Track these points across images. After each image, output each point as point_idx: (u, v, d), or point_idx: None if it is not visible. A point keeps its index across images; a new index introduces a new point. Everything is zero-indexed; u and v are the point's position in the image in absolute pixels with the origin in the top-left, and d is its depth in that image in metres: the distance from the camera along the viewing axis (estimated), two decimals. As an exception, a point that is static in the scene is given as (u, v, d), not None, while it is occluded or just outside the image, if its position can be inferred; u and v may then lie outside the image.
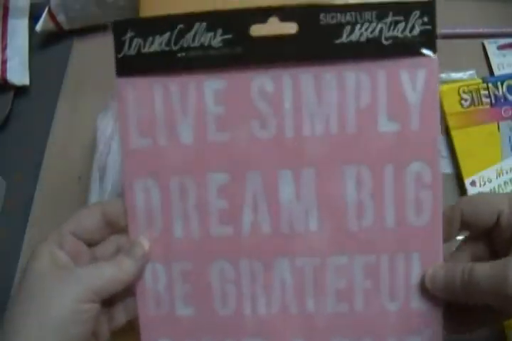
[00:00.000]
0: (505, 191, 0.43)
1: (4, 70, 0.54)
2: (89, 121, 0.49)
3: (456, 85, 0.45)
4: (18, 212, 0.49)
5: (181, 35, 0.30)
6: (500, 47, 0.49)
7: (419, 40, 0.29)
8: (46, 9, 0.54)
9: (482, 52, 0.50)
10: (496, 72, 0.48)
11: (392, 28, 0.29)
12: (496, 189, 0.43)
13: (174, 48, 0.30)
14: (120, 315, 0.32)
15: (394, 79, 0.30)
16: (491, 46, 0.50)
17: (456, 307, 0.30)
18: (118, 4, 0.53)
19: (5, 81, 0.54)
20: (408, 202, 0.31)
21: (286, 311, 0.32)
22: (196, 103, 0.31)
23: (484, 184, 0.43)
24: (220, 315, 0.32)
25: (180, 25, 0.30)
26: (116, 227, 0.32)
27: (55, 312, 0.28)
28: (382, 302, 0.31)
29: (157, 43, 0.31)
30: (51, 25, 0.55)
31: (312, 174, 0.31)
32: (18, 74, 0.55)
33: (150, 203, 0.32)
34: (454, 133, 0.44)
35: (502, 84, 0.45)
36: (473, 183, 0.43)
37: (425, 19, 0.29)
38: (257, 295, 0.32)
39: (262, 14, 0.30)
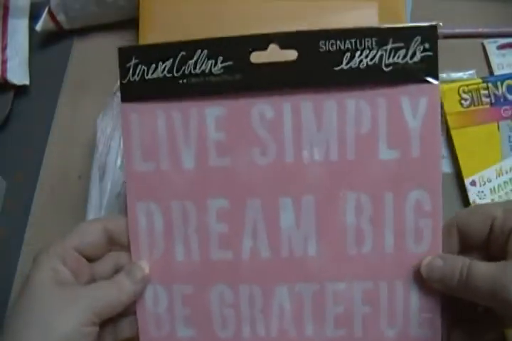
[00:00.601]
0: (505, 191, 0.43)
1: (4, 70, 0.54)
2: (89, 121, 0.49)
3: (456, 85, 0.45)
4: (18, 212, 0.49)
5: (183, 62, 0.31)
6: (500, 47, 0.49)
7: (420, 66, 0.29)
8: (46, 9, 0.54)
9: (482, 52, 0.50)
10: (496, 72, 0.48)
11: (392, 54, 0.29)
12: (496, 189, 0.43)
13: (176, 75, 0.31)
14: (111, 336, 0.32)
15: (395, 106, 0.30)
16: (490, 46, 0.50)
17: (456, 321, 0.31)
18: (118, 4, 0.53)
19: (5, 81, 0.54)
20: (407, 230, 0.31)
21: (284, 335, 0.32)
22: (198, 129, 0.32)
23: (484, 184, 0.43)
24: (220, 337, 0.33)
25: (182, 53, 0.31)
26: (117, 244, 0.33)
27: (59, 331, 0.28)
28: (381, 328, 0.32)
29: (160, 70, 0.31)
30: (51, 25, 0.55)
31: (312, 201, 0.31)
32: (18, 73, 0.54)
33: (152, 226, 0.32)
34: (453, 133, 0.44)
35: (502, 84, 0.45)
36: (473, 183, 0.43)
37: (426, 45, 0.29)
38: (255, 319, 0.32)
39: (263, 41, 0.30)
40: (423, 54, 0.29)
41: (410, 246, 0.31)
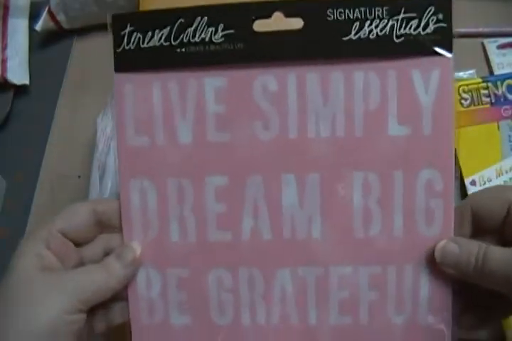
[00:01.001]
0: (505, 190, 0.43)
1: (4, 70, 0.54)
2: (89, 120, 0.49)
3: (456, 85, 0.45)
4: (18, 212, 0.49)
5: (181, 29, 0.29)
6: (500, 47, 0.49)
7: (433, 38, 0.28)
8: (46, 8, 0.54)
9: (482, 52, 0.50)
10: (496, 72, 0.48)
11: (404, 25, 0.28)
12: (496, 188, 0.43)
13: (174, 43, 0.29)
14: (102, 321, 0.31)
15: (405, 79, 0.29)
16: (490, 45, 0.50)
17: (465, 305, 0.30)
18: (118, 4, 0.53)
19: (5, 80, 0.54)
20: (418, 211, 0.29)
21: (286, 322, 0.31)
22: (196, 101, 0.30)
23: (484, 183, 0.43)
24: (217, 324, 0.31)
25: (181, 20, 0.29)
26: (106, 226, 0.31)
27: (41, 323, 0.26)
28: (388, 315, 0.30)
29: (156, 38, 0.30)
30: (51, 25, 0.55)
31: (317, 179, 0.30)
32: (18, 73, 0.55)
33: (145, 205, 0.31)
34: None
35: (502, 84, 0.45)
36: (473, 183, 0.43)
37: (440, 16, 0.28)
38: (256, 304, 0.31)
39: (266, 8, 0.29)
40: (436, 25, 0.28)
41: (421, 228, 0.29)
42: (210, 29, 0.29)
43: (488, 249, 0.27)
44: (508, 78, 0.46)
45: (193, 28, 0.29)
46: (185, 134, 0.30)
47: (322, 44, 0.29)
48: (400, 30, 0.28)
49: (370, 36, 0.28)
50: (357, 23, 0.28)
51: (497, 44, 0.50)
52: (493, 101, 0.45)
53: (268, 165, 0.30)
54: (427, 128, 0.29)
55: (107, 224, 0.31)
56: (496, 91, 0.45)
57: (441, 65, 0.28)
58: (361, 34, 0.28)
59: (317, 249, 0.30)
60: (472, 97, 0.45)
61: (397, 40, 0.28)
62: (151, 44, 0.30)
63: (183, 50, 0.29)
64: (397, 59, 0.29)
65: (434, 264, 0.29)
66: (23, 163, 0.51)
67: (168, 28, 0.29)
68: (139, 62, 0.30)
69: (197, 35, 0.29)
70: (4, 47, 0.55)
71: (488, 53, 0.49)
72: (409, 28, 0.28)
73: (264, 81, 0.30)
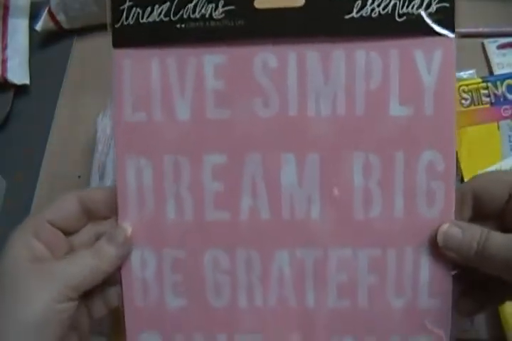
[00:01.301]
0: (505, 190, 0.43)
1: (4, 70, 0.54)
2: (89, 121, 0.49)
3: (456, 85, 0.45)
4: (18, 212, 0.49)
5: (181, 5, 0.29)
6: (500, 47, 0.49)
7: (435, 18, 0.28)
8: (46, 9, 0.54)
9: (482, 52, 0.50)
10: (496, 72, 0.48)
11: (406, 3, 0.28)
12: (496, 188, 0.43)
13: (173, 19, 0.29)
14: (101, 306, 0.31)
15: (407, 59, 0.28)
16: (490, 45, 0.50)
17: (466, 284, 0.30)
18: (118, 4, 0.53)
19: (5, 80, 0.54)
20: (419, 193, 0.29)
21: (284, 305, 0.30)
22: (195, 77, 0.29)
23: (484, 183, 0.43)
24: (213, 306, 0.31)
25: None
26: (95, 215, 0.31)
27: (30, 314, 0.26)
28: (388, 299, 0.30)
29: (156, 13, 0.29)
30: (51, 25, 0.55)
31: (316, 159, 0.29)
32: (18, 73, 0.55)
33: (141, 182, 0.30)
34: (453, 132, 0.44)
35: (502, 84, 0.45)
36: (473, 183, 0.43)
37: None
38: (253, 286, 0.30)
39: None
40: (439, 5, 0.28)
41: (421, 210, 0.29)
42: (211, 5, 0.29)
43: (490, 234, 0.27)
44: (508, 78, 0.46)
45: (193, 4, 0.29)
46: (183, 111, 0.30)
47: (323, 22, 0.28)
48: (402, 9, 0.28)
49: (372, 15, 0.28)
50: (359, 1, 0.28)
51: (497, 44, 0.50)
52: (493, 101, 0.45)
53: (267, 143, 0.30)
54: (428, 109, 0.28)
55: (95, 213, 0.31)
56: (496, 92, 0.45)
57: (444, 45, 0.28)
58: (363, 12, 0.28)
59: (316, 230, 0.30)
60: (472, 97, 0.45)
61: (399, 19, 0.28)
62: (150, 19, 0.29)
63: (183, 25, 0.29)
64: (399, 38, 0.28)
65: (434, 247, 0.29)
66: (23, 163, 0.51)
67: (168, 3, 0.29)
68: (137, 38, 0.30)
69: (197, 11, 0.29)
70: (4, 47, 0.55)
71: (488, 53, 0.49)
72: (412, 7, 0.28)
73: (265, 58, 0.29)
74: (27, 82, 0.55)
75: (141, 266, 0.30)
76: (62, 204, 0.30)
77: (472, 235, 0.27)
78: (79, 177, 0.48)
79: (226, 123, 0.30)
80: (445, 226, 0.28)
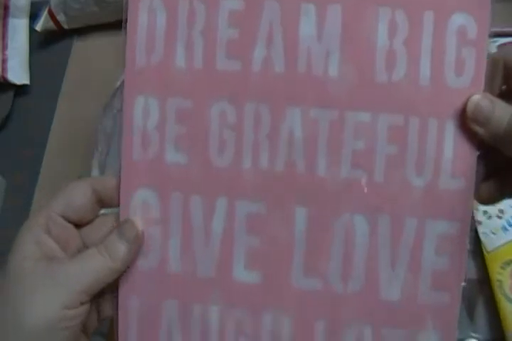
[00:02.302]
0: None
1: (4, 69, 0.54)
2: (89, 120, 0.49)
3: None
4: (18, 212, 0.49)
5: None
6: (500, 47, 0.49)
7: None
8: (46, 9, 0.54)
9: (482, 52, 0.50)
10: (496, 72, 0.48)
11: None
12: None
13: None
14: (110, 304, 0.29)
15: None
16: (490, 45, 0.50)
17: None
18: (118, 4, 0.53)
19: (5, 80, 0.54)
20: (447, 59, 0.27)
21: (291, 170, 0.28)
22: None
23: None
24: (214, 166, 0.28)
25: None
26: (106, 205, 0.29)
27: (39, 321, 0.25)
28: (406, 175, 0.27)
29: None
30: (51, 25, 0.55)
31: (338, 10, 0.27)
32: (19, 73, 0.55)
33: (154, 23, 0.28)
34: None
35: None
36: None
37: None
38: (259, 146, 0.28)
39: None
40: None
41: (449, 78, 0.27)
42: None
43: None
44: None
45: None
46: None
47: None
48: None
49: None
50: None
51: (497, 44, 0.50)
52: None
53: None
54: None
55: (109, 202, 0.29)
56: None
57: None
58: None
59: (333, 89, 0.27)
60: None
61: None
62: None
63: None
64: None
65: (461, 121, 0.27)
66: (23, 163, 0.51)
67: None
68: None
69: None
70: (4, 47, 0.55)
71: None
72: None
73: None
74: (27, 81, 0.55)
75: (143, 115, 0.29)
76: (74, 195, 0.28)
77: (504, 110, 0.25)
78: (79, 177, 0.48)
79: None
80: (476, 97, 0.26)
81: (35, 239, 0.27)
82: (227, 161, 0.28)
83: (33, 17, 0.56)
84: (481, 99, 0.26)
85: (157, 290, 0.29)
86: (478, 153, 0.27)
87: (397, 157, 0.27)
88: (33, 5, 0.56)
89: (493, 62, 0.27)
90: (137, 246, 0.28)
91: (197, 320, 0.29)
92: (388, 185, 0.27)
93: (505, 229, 0.41)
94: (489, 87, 0.27)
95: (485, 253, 0.40)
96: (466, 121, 0.26)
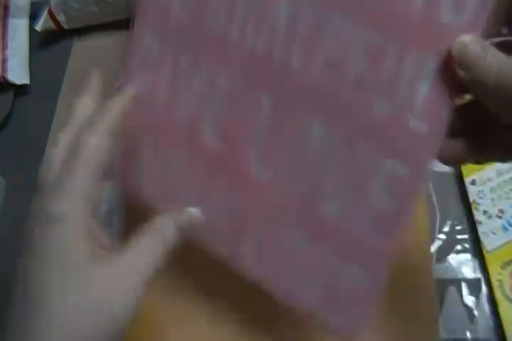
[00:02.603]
0: (504, 190, 0.43)
1: (4, 69, 0.54)
2: (89, 120, 0.49)
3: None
4: (18, 212, 0.49)
5: None
6: (500, 47, 0.49)
7: None
8: (46, 9, 0.54)
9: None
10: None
11: None
12: (496, 188, 0.43)
13: None
14: None
15: None
16: (490, 45, 0.50)
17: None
18: (118, 4, 0.53)
19: (5, 80, 0.54)
20: None
21: (269, 58, 0.27)
22: None
23: (484, 183, 0.43)
24: (207, 27, 0.29)
25: None
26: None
27: (117, 314, 0.24)
28: (371, 97, 0.25)
29: None
30: (51, 25, 0.55)
31: None
32: (18, 73, 0.55)
33: None
34: (453, 132, 0.44)
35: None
36: (473, 182, 0.43)
37: None
38: (248, 19, 0.28)
39: None
40: None
41: (446, 13, 0.23)
42: None
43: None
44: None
45: None
46: None
47: None
48: None
49: None
50: None
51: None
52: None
53: None
54: None
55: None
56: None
57: None
58: None
59: None
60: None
61: None
62: None
63: None
64: None
65: (445, 62, 0.24)
66: (23, 163, 0.51)
67: None
68: None
69: None
70: (4, 47, 0.55)
71: (488, 53, 0.49)
72: None
73: None
74: (27, 81, 0.55)
75: None
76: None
77: (496, 57, 0.23)
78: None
79: None
80: (467, 37, 0.23)
81: (83, 222, 0.25)
82: (219, 26, 0.29)
83: (33, 17, 0.56)
84: (471, 42, 0.23)
85: None
86: (454, 103, 0.24)
87: (369, 76, 0.25)
88: (33, 5, 0.56)
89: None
90: (190, 221, 0.29)
91: None
92: (351, 101, 0.26)
93: (505, 229, 0.41)
94: (492, 27, 0.24)
95: (485, 253, 0.40)
96: (450, 63, 0.23)
